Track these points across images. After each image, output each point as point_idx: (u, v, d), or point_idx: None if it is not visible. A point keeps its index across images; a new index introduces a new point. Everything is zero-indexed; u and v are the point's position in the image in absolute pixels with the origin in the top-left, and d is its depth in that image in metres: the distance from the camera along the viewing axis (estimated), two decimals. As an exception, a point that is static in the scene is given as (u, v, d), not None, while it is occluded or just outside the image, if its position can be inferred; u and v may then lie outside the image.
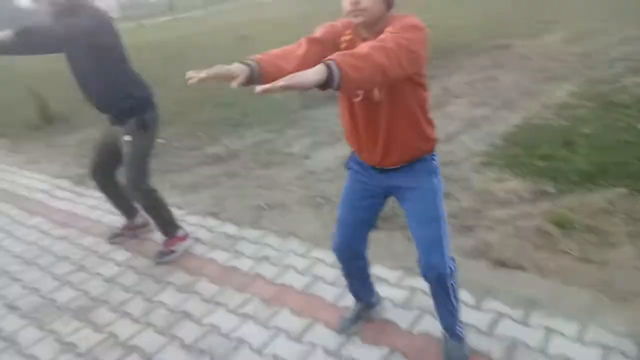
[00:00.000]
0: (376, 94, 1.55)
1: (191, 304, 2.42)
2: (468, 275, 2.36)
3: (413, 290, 2.29)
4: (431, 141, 1.70)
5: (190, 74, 1.27)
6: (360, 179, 1.81)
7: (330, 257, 2.66)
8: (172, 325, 2.29)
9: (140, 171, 2.78)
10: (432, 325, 2.02)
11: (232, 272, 2.64)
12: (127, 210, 3.18)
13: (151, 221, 2.98)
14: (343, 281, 2.42)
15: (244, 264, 2.68)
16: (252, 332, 2.17)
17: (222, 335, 2.17)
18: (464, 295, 2.21)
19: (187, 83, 1.28)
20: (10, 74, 10.36)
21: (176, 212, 3.04)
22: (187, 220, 3.25)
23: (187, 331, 2.23)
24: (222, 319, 2.28)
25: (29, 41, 2.38)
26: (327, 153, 4.15)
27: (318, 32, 1.59)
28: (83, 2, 2.53)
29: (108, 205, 3.65)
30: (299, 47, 1.52)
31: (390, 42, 1.31)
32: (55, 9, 2.47)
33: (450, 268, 1.74)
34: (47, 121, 6.37)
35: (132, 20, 26.91)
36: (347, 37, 1.57)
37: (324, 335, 2.10)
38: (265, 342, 2.10)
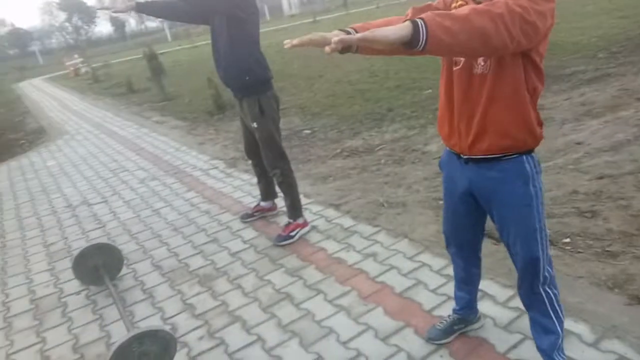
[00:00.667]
0: (479, 65, 1.39)
1: (295, 288, 2.54)
2: (594, 307, 2.04)
3: (520, 312, 2.05)
4: (534, 137, 1.45)
5: (286, 41, 1.25)
6: (448, 177, 1.70)
7: (437, 264, 2.55)
8: (274, 304, 2.44)
9: (274, 153, 2.99)
10: (533, 355, 1.80)
11: (338, 263, 2.69)
12: (266, 191, 3.42)
13: (283, 202, 3.19)
14: (444, 290, 2.31)
15: (351, 258, 2.72)
16: (343, 324, 2.20)
17: (315, 322, 2.25)
18: (581, 328, 1.92)
19: (284, 46, 1.25)
20: (202, 67, 11.98)
21: (302, 200, 3.21)
22: (310, 208, 3.40)
23: (286, 312, 2.36)
24: (319, 307, 2.35)
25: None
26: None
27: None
28: None
29: (249, 188, 4.04)
30: (405, 17, 1.45)
31: (501, 7, 1.17)
32: None
33: (547, 274, 1.59)
34: (219, 109, 7.24)
35: (310, 16, 28.64)
36: (459, 3, 1.43)
37: (412, 341, 2.02)
38: (353, 336, 2.11)
